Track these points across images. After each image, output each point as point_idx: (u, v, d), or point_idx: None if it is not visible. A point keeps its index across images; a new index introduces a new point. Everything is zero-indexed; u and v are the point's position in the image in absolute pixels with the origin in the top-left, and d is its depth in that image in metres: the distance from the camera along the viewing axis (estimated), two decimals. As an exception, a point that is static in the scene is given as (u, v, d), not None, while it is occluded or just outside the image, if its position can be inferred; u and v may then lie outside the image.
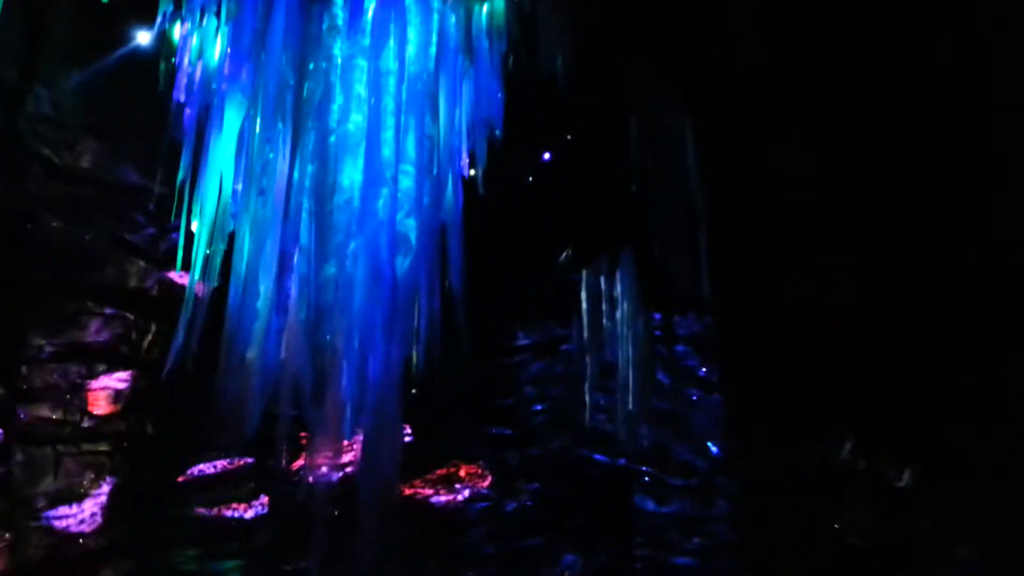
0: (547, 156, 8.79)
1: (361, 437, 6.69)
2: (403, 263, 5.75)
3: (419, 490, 9.49)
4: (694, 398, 9.19)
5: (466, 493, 9.77)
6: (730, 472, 9.18)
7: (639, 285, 7.76)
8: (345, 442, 7.41)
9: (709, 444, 9.21)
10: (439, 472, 9.65)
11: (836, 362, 7.78)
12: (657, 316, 8.78)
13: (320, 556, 7.27)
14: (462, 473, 9.78)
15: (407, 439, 9.14)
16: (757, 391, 8.58)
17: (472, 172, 7.27)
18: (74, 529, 7.76)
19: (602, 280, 7.99)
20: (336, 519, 7.07)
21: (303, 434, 7.74)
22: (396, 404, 5.97)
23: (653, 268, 7.75)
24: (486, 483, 9.87)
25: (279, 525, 8.54)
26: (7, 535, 7.22)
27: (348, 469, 8.11)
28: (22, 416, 7.41)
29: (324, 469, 7.45)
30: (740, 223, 7.68)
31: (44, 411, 7.57)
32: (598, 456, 9.90)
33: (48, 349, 7.56)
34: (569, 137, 8.71)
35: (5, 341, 7.26)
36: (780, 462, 8.52)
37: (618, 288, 7.82)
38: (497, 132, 6.86)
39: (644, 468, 9.56)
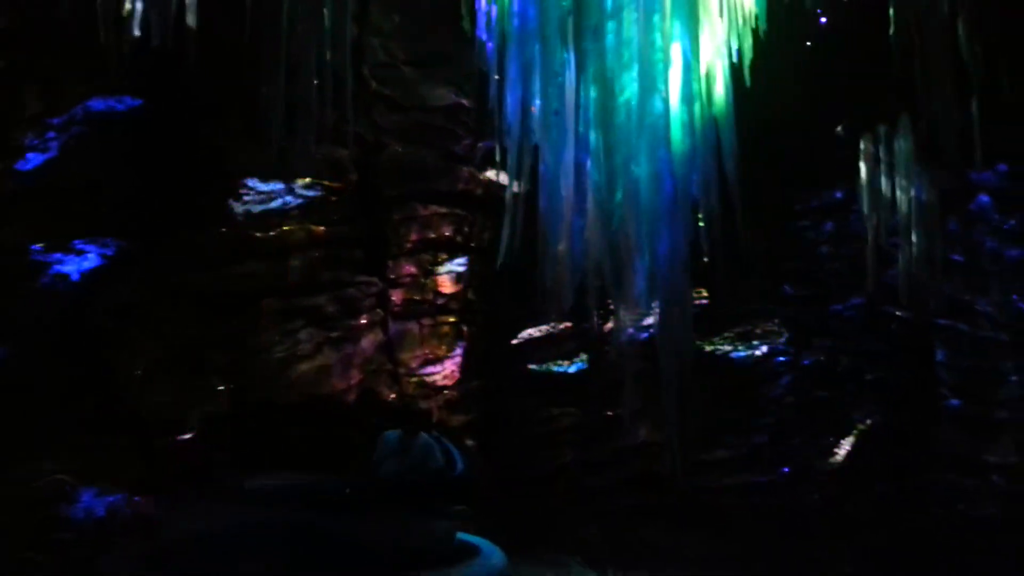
0: (824, 19, 8.73)
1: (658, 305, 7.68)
2: (680, 160, 6.47)
3: (718, 346, 10.36)
4: (992, 249, 8.95)
5: (764, 349, 10.45)
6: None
7: (917, 150, 7.69)
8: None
9: (1015, 297, 8.96)
10: (736, 330, 10.40)
11: None
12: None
13: (632, 405, 8.56)
14: (758, 331, 10.43)
15: (703, 302, 10.04)
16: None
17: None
18: (440, 383, 9.87)
19: (880, 148, 8.03)
20: (645, 373, 8.20)
21: (609, 302, 8.90)
22: (683, 278, 6.81)
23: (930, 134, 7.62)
24: (782, 339, 10.44)
25: (599, 378, 9.97)
26: (394, 389, 9.45)
27: (652, 331, 9.18)
28: (393, 299, 9.47)
29: (630, 331, 8.65)
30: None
31: (407, 294, 9.58)
32: (895, 311, 9.94)
33: (404, 246, 9.49)
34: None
35: (376, 243, 9.25)
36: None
37: (896, 153, 7.84)
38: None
39: (944, 322, 9.52)
